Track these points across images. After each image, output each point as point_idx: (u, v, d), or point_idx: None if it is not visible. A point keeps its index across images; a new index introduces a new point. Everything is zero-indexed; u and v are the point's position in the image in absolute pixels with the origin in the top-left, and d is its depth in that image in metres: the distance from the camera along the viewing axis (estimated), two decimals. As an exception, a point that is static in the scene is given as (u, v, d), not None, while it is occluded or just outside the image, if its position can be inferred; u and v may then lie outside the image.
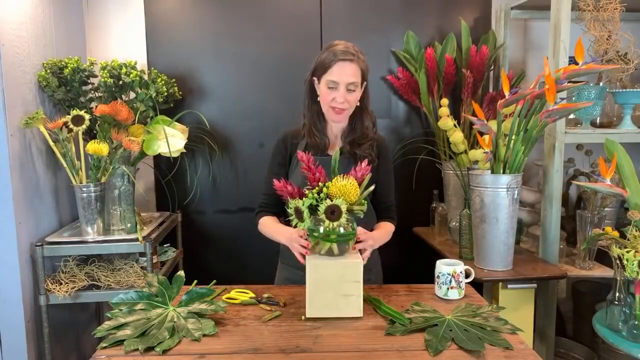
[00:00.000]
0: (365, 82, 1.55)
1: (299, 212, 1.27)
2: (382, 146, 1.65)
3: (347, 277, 1.26)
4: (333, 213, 1.23)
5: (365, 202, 1.32)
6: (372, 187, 1.33)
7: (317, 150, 1.58)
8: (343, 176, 1.28)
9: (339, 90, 1.48)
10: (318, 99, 1.56)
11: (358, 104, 1.55)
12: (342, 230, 1.26)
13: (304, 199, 1.27)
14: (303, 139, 1.61)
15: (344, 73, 1.47)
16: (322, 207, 1.24)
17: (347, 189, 1.26)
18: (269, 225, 1.59)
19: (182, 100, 2.37)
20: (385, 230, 1.58)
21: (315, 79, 1.55)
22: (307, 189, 1.31)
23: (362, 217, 1.32)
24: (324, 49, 1.53)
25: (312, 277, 1.26)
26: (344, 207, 1.23)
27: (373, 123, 1.62)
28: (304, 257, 1.35)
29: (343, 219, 1.24)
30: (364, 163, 1.33)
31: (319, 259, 1.28)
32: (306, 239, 1.35)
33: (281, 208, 1.61)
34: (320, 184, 1.28)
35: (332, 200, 1.24)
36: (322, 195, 1.26)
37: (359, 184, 1.30)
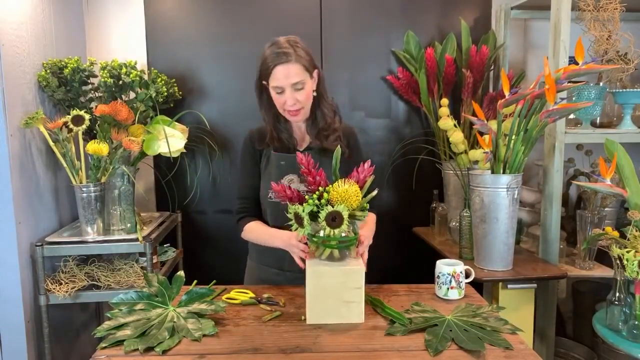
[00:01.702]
0: (315, 70, 1.49)
1: (298, 218, 1.25)
2: (351, 135, 1.62)
3: (349, 284, 1.25)
4: (334, 220, 1.20)
5: (367, 206, 1.30)
6: (374, 192, 1.31)
7: (287, 149, 1.56)
8: (344, 180, 1.25)
9: (286, 93, 1.45)
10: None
11: (315, 94, 1.51)
12: (343, 235, 1.24)
13: (304, 204, 1.24)
14: (269, 141, 1.57)
15: (284, 76, 1.42)
16: (322, 214, 1.21)
17: (348, 194, 1.22)
18: (258, 230, 1.56)
19: (182, 100, 2.37)
20: (370, 225, 1.55)
21: (264, 82, 1.49)
22: (305, 190, 1.30)
23: (363, 221, 1.30)
24: (264, 50, 1.47)
25: (313, 284, 1.25)
26: (345, 214, 1.20)
27: (334, 111, 1.58)
28: (304, 261, 1.34)
29: (344, 226, 1.21)
30: (367, 164, 1.30)
31: (319, 265, 1.27)
32: (305, 243, 1.34)
33: (260, 212, 1.60)
34: (320, 188, 1.25)
35: (333, 207, 1.21)
36: (322, 201, 1.23)
37: (361, 187, 1.27)
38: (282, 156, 1.56)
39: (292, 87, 1.44)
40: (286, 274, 1.58)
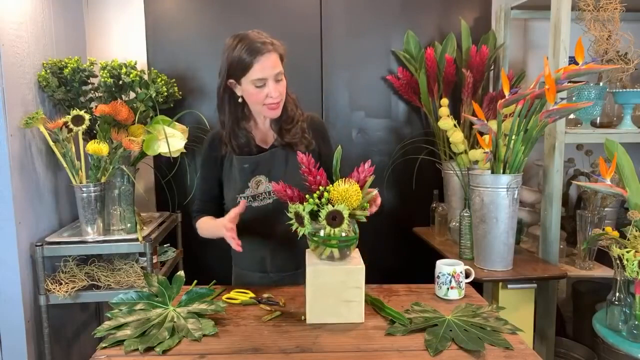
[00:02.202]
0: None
1: (299, 217, 1.25)
2: (316, 126, 1.59)
3: (349, 283, 1.25)
4: (334, 219, 1.21)
5: (368, 205, 1.30)
6: (375, 191, 1.31)
7: (250, 149, 1.52)
8: (344, 180, 1.25)
9: (269, 85, 1.40)
10: (239, 100, 1.47)
11: None
12: (343, 235, 1.24)
13: (304, 203, 1.24)
14: (228, 145, 1.53)
15: (268, 67, 1.38)
16: (323, 213, 1.21)
17: (349, 193, 1.23)
18: (205, 226, 1.55)
19: (182, 100, 2.37)
20: None
21: (232, 81, 1.44)
22: (306, 185, 1.29)
23: (364, 221, 1.30)
24: (230, 47, 1.41)
25: (313, 283, 1.25)
26: (345, 213, 1.21)
27: (296, 105, 1.54)
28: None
29: (345, 225, 1.22)
30: (367, 164, 1.29)
31: (319, 265, 1.27)
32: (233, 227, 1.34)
33: (219, 214, 1.56)
34: (320, 188, 1.26)
35: (333, 206, 1.22)
36: (323, 200, 1.23)
37: (361, 187, 1.27)
38: (245, 159, 1.52)
39: (275, 78, 1.40)
40: (270, 276, 1.58)
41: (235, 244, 1.34)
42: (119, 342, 1.15)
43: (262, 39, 1.39)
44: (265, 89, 1.41)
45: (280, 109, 1.48)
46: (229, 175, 1.55)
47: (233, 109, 1.50)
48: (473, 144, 2.21)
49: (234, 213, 1.39)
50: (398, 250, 2.58)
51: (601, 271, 1.96)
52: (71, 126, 1.81)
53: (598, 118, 2.08)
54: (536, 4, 2.30)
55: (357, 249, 1.36)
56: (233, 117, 1.50)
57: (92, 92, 2.04)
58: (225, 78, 1.44)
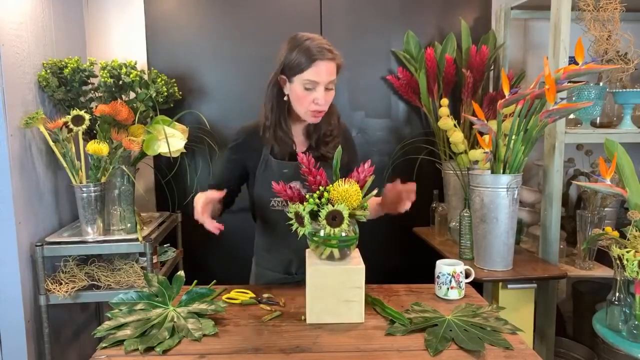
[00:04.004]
0: None
1: (299, 217, 1.25)
2: (345, 134, 1.60)
3: (349, 283, 1.25)
4: (334, 219, 1.21)
5: (368, 206, 1.30)
6: (375, 191, 1.31)
7: (285, 156, 1.51)
8: (345, 180, 1.26)
9: (318, 90, 1.39)
10: (285, 98, 1.46)
11: None
12: (343, 234, 1.25)
13: (304, 203, 1.24)
14: (266, 143, 1.51)
15: (323, 72, 1.37)
16: (323, 213, 1.21)
17: (349, 193, 1.23)
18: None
19: (182, 100, 2.37)
20: None
21: (283, 77, 1.43)
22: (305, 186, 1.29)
23: (364, 221, 1.30)
24: (292, 44, 1.41)
25: (313, 283, 1.25)
26: (345, 213, 1.21)
27: (338, 119, 1.56)
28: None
29: (345, 225, 1.22)
30: (367, 164, 1.30)
31: (319, 264, 1.27)
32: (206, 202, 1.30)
33: (227, 202, 1.55)
34: (320, 188, 1.26)
35: (333, 206, 1.22)
36: (323, 200, 1.23)
37: (361, 187, 1.27)
38: (284, 164, 1.51)
39: (327, 85, 1.40)
40: (295, 277, 1.59)
41: (213, 228, 1.29)
42: (119, 342, 1.15)
43: (326, 45, 1.39)
44: (314, 93, 1.39)
45: (321, 118, 1.47)
46: (264, 175, 1.51)
47: (277, 105, 1.47)
48: (473, 144, 2.21)
49: (208, 199, 1.33)
50: (398, 250, 2.58)
51: (601, 271, 1.95)
52: (71, 126, 1.82)
53: (598, 118, 2.08)
54: (536, 4, 2.30)
55: (357, 249, 1.36)
56: (276, 114, 1.47)
57: (92, 92, 2.04)
58: (279, 72, 1.43)
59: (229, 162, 1.57)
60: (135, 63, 2.03)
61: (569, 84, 1.63)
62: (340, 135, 1.57)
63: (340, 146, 1.36)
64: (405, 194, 1.33)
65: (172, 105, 2.25)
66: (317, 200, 1.23)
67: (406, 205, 1.33)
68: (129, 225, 2.00)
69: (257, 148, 1.52)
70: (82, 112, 1.83)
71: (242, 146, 1.54)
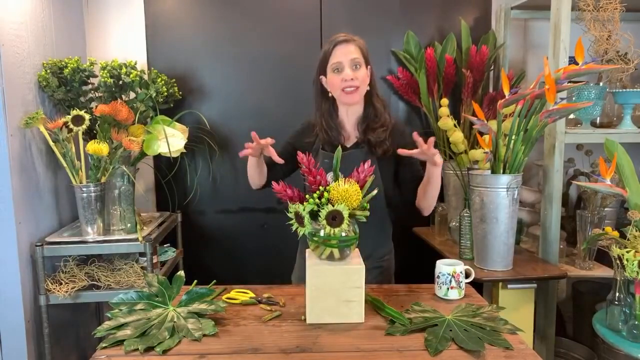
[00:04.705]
0: (369, 66, 1.60)
1: (299, 217, 1.25)
2: (400, 131, 1.65)
3: (349, 283, 1.25)
4: (334, 219, 1.21)
5: (368, 205, 1.30)
6: (375, 191, 1.31)
7: (333, 147, 1.58)
8: (345, 180, 1.26)
9: (345, 69, 1.54)
10: (330, 95, 1.61)
11: (368, 88, 1.59)
12: (343, 234, 1.25)
13: (304, 203, 1.24)
14: (316, 138, 1.65)
15: (343, 52, 1.54)
16: (323, 213, 1.21)
17: (348, 193, 1.23)
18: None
19: (182, 100, 2.37)
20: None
21: (322, 77, 1.60)
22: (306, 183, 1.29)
23: (365, 221, 1.30)
24: (323, 47, 1.60)
25: (313, 283, 1.25)
26: (345, 213, 1.21)
27: (384, 106, 1.65)
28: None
29: (345, 225, 1.22)
30: (367, 164, 1.30)
31: (319, 264, 1.27)
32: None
33: (271, 169, 1.64)
34: (320, 187, 1.26)
35: (333, 206, 1.22)
36: (323, 200, 1.23)
37: (361, 187, 1.27)
38: (328, 155, 1.60)
39: (351, 63, 1.54)
40: None
41: (243, 152, 1.46)
42: (119, 342, 1.15)
43: (346, 35, 1.57)
44: (341, 73, 1.54)
45: (359, 97, 1.58)
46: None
47: (322, 104, 1.64)
48: (473, 144, 2.21)
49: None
50: (398, 250, 2.57)
51: (601, 271, 1.95)
52: (71, 126, 1.82)
53: (598, 118, 2.08)
54: (536, 4, 2.30)
55: (357, 249, 1.36)
56: (322, 111, 1.64)
57: (92, 92, 2.04)
58: (317, 75, 1.62)
59: (286, 143, 1.70)
60: (135, 63, 2.03)
61: (569, 84, 1.63)
62: (392, 134, 1.62)
63: (339, 146, 1.36)
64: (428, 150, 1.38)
65: (172, 105, 2.25)
66: (317, 200, 1.23)
67: (437, 157, 1.40)
68: (129, 225, 2.00)
69: (312, 141, 1.67)
70: (82, 112, 1.83)
71: (299, 135, 1.70)
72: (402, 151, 1.36)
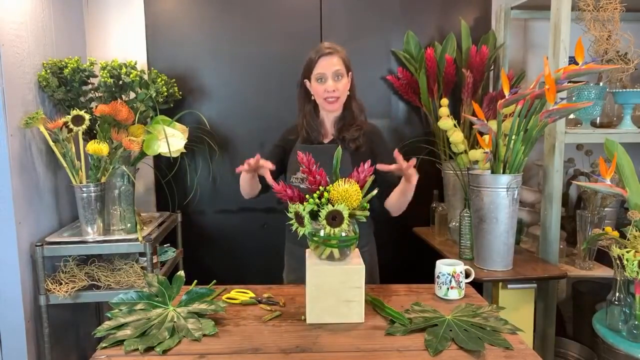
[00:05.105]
0: (350, 73, 1.68)
1: (299, 217, 1.25)
2: (374, 132, 1.74)
3: (349, 283, 1.25)
4: (334, 219, 1.21)
5: (368, 205, 1.30)
6: (375, 191, 1.31)
7: (312, 142, 1.70)
8: (345, 180, 1.26)
9: (327, 80, 1.63)
10: (312, 98, 1.70)
11: (348, 93, 1.68)
12: (343, 234, 1.25)
13: (304, 203, 1.24)
14: (299, 134, 1.72)
15: (327, 64, 1.62)
16: (323, 213, 1.21)
17: (348, 193, 1.23)
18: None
19: (182, 100, 2.37)
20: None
21: (306, 80, 1.68)
22: (306, 183, 1.30)
23: (365, 221, 1.30)
24: (309, 54, 1.68)
25: (313, 283, 1.25)
26: (345, 213, 1.21)
27: (361, 110, 1.73)
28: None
29: (345, 225, 1.22)
30: (367, 164, 1.30)
31: (319, 264, 1.27)
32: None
33: (264, 186, 1.68)
34: (321, 187, 1.26)
35: (333, 206, 1.22)
36: (323, 200, 1.23)
37: (361, 187, 1.27)
38: (305, 147, 1.66)
39: (333, 74, 1.62)
40: None
41: (239, 167, 1.46)
42: (119, 342, 1.15)
43: (330, 47, 1.65)
44: (324, 84, 1.63)
45: (339, 105, 1.68)
46: (291, 160, 1.72)
47: (304, 106, 1.73)
48: (473, 144, 2.21)
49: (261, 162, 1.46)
50: (398, 250, 2.58)
51: (601, 271, 1.95)
52: (71, 126, 1.82)
53: (598, 118, 2.08)
54: (536, 4, 2.30)
55: (357, 249, 1.36)
56: (305, 112, 1.73)
57: (92, 92, 2.04)
58: (302, 78, 1.70)
59: (274, 147, 1.80)
60: (135, 63, 2.03)
61: (569, 84, 1.63)
62: (366, 135, 1.70)
63: (339, 147, 1.37)
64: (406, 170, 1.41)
65: (172, 105, 2.25)
66: (317, 200, 1.23)
67: (412, 178, 1.42)
68: (129, 225, 2.00)
69: (294, 138, 1.76)
70: (82, 112, 1.83)
71: (285, 135, 1.79)
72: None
